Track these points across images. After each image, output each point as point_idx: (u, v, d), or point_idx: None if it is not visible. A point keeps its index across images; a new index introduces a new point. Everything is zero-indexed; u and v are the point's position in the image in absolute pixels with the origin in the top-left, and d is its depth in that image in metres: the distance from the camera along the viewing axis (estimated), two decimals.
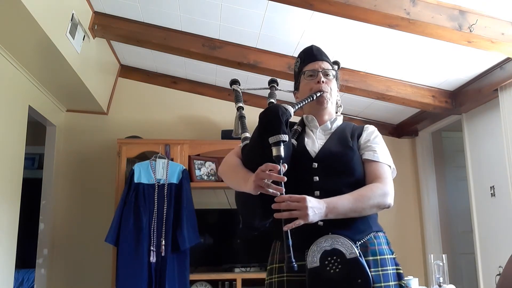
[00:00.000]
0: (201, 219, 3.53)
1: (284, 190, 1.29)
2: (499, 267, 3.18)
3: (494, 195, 3.38)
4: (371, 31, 2.78)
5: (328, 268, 1.33)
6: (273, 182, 1.29)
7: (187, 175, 3.52)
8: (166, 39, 3.22)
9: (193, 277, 3.46)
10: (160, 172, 3.47)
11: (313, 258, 1.34)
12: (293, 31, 2.96)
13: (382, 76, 3.43)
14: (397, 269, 1.43)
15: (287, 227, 1.25)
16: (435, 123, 4.14)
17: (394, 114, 4.19)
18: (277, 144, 1.31)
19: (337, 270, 1.33)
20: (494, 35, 2.50)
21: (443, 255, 2.56)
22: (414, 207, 4.39)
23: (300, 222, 1.27)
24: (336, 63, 1.74)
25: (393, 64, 3.25)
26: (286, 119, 1.36)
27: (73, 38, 2.92)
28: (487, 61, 3.03)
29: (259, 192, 1.31)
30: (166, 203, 3.38)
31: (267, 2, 2.62)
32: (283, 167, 1.30)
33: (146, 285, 3.19)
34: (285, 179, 1.28)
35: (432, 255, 2.67)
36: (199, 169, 3.77)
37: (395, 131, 4.50)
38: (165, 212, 3.35)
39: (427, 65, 3.18)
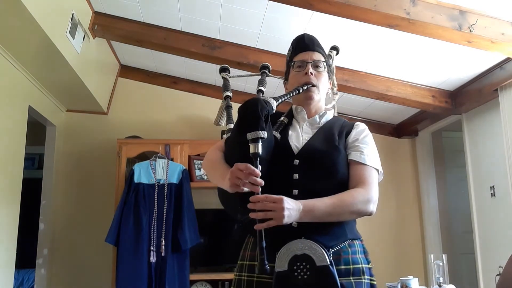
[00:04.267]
0: (201, 219, 3.53)
1: (260, 189, 1.23)
2: (499, 267, 3.18)
3: (494, 195, 3.37)
4: (371, 31, 2.78)
5: (296, 273, 1.27)
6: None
7: (187, 175, 3.52)
8: (166, 39, 3.22)
9: (193, 277, 3.45)
10: (160, 172, 3.47)
11: (281, 262, 1.28)
12: (293, 31, 2.96)
13: (382, 76, 3.43)
14: (370, 280, 1.36)
15: (257, 227, 1.21)
16: (435, 123, 4.14)
17: (394, 114, 4.19)
18: (255, 141, 1.25)
19: (305, 276, 1.26)
20: (494, 35, 2.50)
21: (443, 255, 2.55)
22: (414, 207, 4.39)
23: (273, 223, 1.21)
24: (334, 48, 1.66)
25: (393, 64, 3.25)
26: (266, 114, 1.30)
27: (73, 38, 2.92)
28: (487, 61, 3.03)
29: (235, 191, 1.26)
30: (166, 203, 3.38)
31: (267, 2, 2.62)
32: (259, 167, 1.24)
33: (146, 285, 3.19)
34: (262, 183, 1.23)
35: (432, 255, 2.66)
36: (199, 169, 3.77)
37: (395, 131, 4.50)
38: (165, 212, 3.35)
39: (427, 65, 3.18)
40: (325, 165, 1.39)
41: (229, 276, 3.56)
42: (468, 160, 3.71)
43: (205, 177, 3.77)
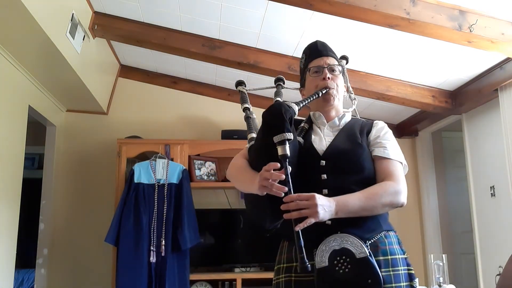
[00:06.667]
0: (201, 219, 3.53)
1: (291, 188, 1.26)
2: (499, 267, 3.18)
3: (494, 195, 3.37)
4: (371, 31, 2.78)
5: (337, 268, 1.30)
6: (280, 182, 1.26)
7: (187, 175, 3.52)
8: (166, 39, 3.22)
9: (193, 277, 3.45)
10: (160, 172, 3.47)
11: (321, 258, 1.31)
12: (293, 31, 2.96)
13: (382, 76, 3.43)
14: (408, 270, 1.39)
15: (298, 227, 1.23)
16: (435, 123, 4.14)
17: (394, 114, 4.19)
18: (282, 143, 1.28)
19: (347, 270, 1.29)
20: (494, 35, 2.50)
21: (443, 255, 2.55)
22: (414, 207, 4.39)
23: (311, 220, 1.24)
24: (344, 57, 1.71)
25: (393, 64, 3.25)
26: (290, 117, 1.34)
27: (73, 38, 2.92)
28: (487, 61, 3.03)
29: (265, 193, 1.28)
30: (166, 203, 3.38)
31: (267, 2, 2.62)
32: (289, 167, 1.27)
33: (146, 285, 3.19)
34: (283, 177, 1.25)
35: (432, 255, 2.67)
36: (199, 169, 3.77)
37: (395, 131, 4.50)
38: (165, 212, 3.35)
39: (427, 65, 3.18)
40: (351, 163, 1.43)
41: (229, 276, 3.57)
42: (468, 160, 3.71)
43: (205, 177, 3.77)
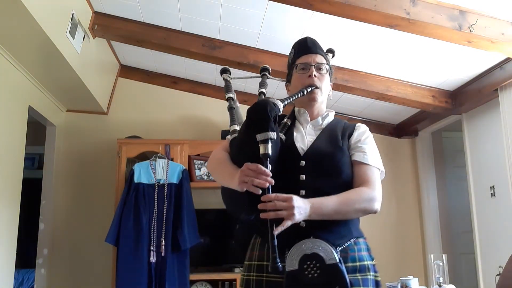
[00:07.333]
0: (201, 219, 3.53)
1: (270, 188, 1.26)
2: (499, 267, 3.18)
3: (494, 195, 3.38)
4: (371, 31, 2.78)
5: (306, 272, 1.30)
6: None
7: (187, 175, 3.52)
8: (166, 39, 3.22)
9: (193, 277, 3.45)
10: (160, 172, 3.47)
11: (292, 261, 1.32)
12: (293, 31, 2.96)
13: (382, 76, 3.43)
14: (375, 276, 1.40)
15: (276, 231, 1.23)
16: (435, 123, 4.15)
17: (394, 114, 4.19)
18: (265, 142, 1.28)
19: (316, 275, 1.30)
20: (494, 35, 2.50)
21: (443, 255, 2.55)
22: (414, 207, 4.39)
23: (288, 223, 1.24)
24: (330, 51, 1.69)
25: (393, 64, 3.25)
26: (275, 115, 1.33)
27: (73, 38, 2.92)
28: (487, 61, 3.03)
29: (245, 189, 1.28)
30: (166, 203, 3.38)
31: (267, 2, 2.63)
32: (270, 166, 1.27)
33: (146, 285, 3.19)
34: (272, 182, 1.25)
35: (432, 255, 2.67)
36: (199, 169, 3.77)
37: (395, 131, 4.51)
38: (165, 212, 3.35)
39: (427, 65, 3.18)
40: (331, 166, 1.43)
41: (229, 276, 3.56)
42: (468, 160, 3.71)
43: (205, 177, 3.77)
